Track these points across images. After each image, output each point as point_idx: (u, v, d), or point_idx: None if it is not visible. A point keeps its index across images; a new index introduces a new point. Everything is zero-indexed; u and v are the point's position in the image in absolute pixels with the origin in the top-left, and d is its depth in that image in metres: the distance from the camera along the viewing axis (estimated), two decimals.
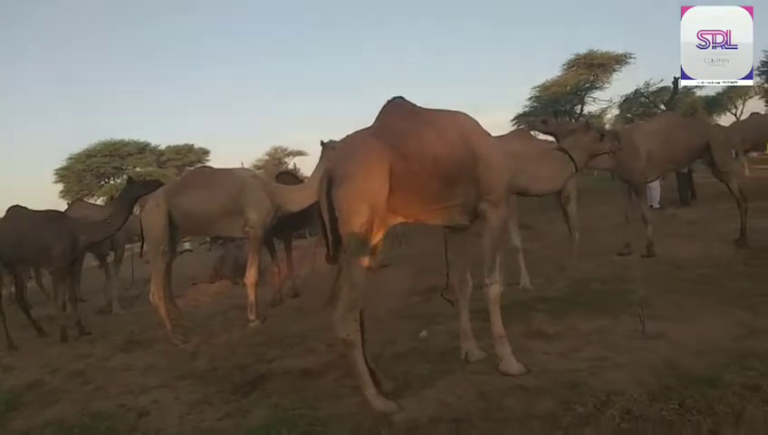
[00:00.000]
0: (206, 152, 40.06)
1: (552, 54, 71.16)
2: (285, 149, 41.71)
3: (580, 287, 6.24)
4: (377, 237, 3.62)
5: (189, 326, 6.86)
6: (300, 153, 40.09)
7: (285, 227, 7.75)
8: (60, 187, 36.86)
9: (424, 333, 5.18)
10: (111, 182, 36.24)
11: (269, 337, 5.85)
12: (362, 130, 3.81)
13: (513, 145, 4.99)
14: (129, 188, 7.17)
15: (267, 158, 40.99)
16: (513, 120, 31.28)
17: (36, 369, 5.76)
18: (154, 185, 7.34)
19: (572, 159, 4.38)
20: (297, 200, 6.79)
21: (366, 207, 3.43)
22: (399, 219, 3.80)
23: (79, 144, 45.57)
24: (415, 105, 3.92)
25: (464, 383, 3.84)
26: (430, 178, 3.65)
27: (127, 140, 37.86)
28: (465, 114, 4.00)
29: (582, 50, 28.93)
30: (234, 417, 3.82)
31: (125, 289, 9.54)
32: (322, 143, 7.01)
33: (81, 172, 36.34)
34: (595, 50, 28.44)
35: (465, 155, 3.74)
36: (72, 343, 6.85)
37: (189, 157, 39.13)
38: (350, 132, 3.83)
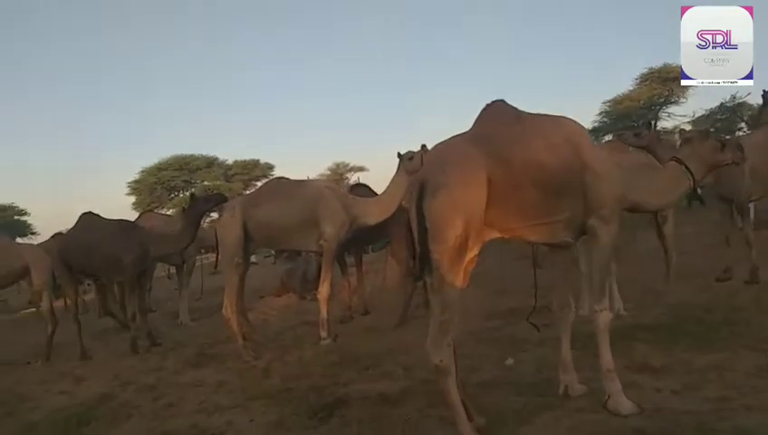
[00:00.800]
0: (270, 167, 40.64)
1: (624, 67, 68.77)
2: (347, 165, 41.92)
3: (680, 315, 5.64)
4: (471, 254, 3.27)
5: (260, 341, 6.68)
6: (361, 169, 40.18)
7: (358, 241, 7.49)
8: (132, 199, 38.22)
9: (510, 361, 4.77)
10: (181, 195, 37.27)
11: (342, 357, 5.56)
12: (458, 136, 3.48)
13: (616, 156, 4.52)
14: (193, 205, 7.19)
15: (329, 172, 41.26)
16: None
17: (107, 381, 5.72)
18: (216, 199, 7.33)
19: (690, 172, 3.88)
20: (373, 213, 6.54)
21: (461, 220, 3.08)
22: (496, 234, 3.42)
23: (151, 158, 47.48)
24: (516, 108, 3.55)
25: (567, 422, 3.41)
26: (533, 189, 3.28)
27: (197, 154, 38.99)
28: (571, 119, 3.61)
29: (657, 63, 27.72)
30: None
31: (195, 300, 9.54)
32: (399, 155, 6.73)
33: (152, 185, 37.55)
34: (670, 63, 27.13)
35: (573, 164, 3.36)
36: (142, 355, 6.82)
37: (255, 171, 39.78)
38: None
